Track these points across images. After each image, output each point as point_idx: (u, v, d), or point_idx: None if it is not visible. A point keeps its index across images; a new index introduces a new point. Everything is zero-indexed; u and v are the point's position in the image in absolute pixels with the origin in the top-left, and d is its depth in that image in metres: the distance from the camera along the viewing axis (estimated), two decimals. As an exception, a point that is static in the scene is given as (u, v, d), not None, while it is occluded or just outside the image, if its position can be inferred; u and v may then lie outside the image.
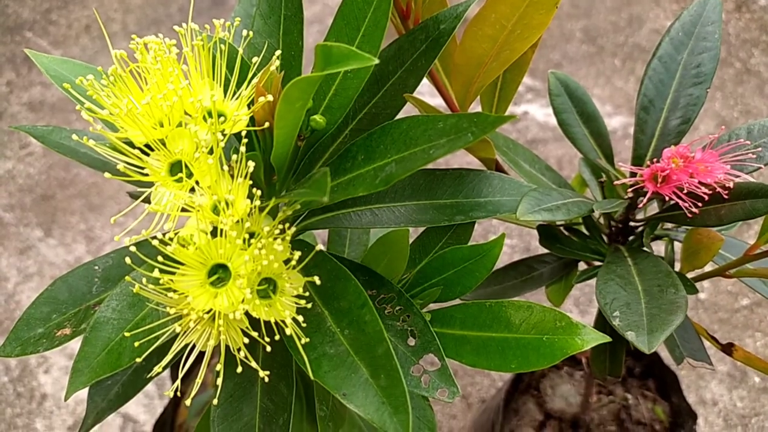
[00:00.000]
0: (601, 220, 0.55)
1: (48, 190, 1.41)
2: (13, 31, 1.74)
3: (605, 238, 0.54)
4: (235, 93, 0.37)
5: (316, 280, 0.35)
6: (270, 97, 0.34)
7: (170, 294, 0.33)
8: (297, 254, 0.34)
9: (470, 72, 0.42)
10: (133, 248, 0.33)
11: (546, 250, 0.54)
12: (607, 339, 0.38)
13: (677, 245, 0.52)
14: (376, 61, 0.29)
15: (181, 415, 0.80)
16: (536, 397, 0.77)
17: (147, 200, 0.36)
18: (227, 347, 0.35)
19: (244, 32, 0.38)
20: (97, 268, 0.46)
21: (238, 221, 0.34)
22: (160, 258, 0.32)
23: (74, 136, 0.35)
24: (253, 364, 0.34)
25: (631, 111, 1.37)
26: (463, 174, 0.46)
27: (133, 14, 1.71)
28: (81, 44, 1.69)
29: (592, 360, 0.53)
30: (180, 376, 0.36)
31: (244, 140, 0.34)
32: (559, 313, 0.39)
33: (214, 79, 0.37)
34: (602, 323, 0.56)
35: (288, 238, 0.34)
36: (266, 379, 0.35)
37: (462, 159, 1.28)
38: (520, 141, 1.36)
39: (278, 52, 0.37)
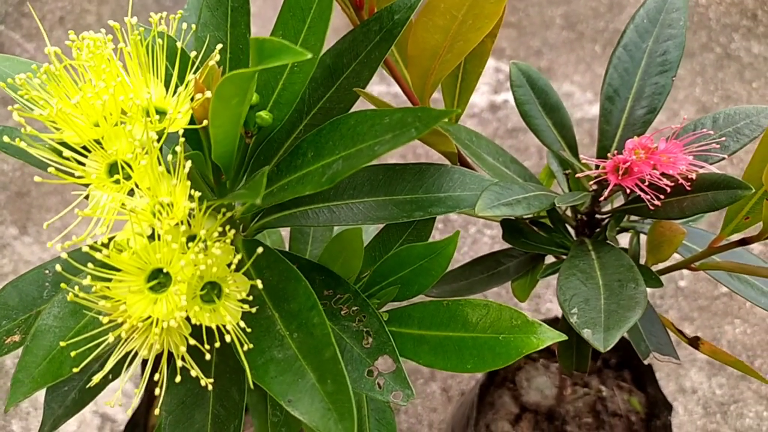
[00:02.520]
0: (568, 213, 0.54)
1: (23, 187, 1.38)
2: (-13, 24, 1.71)
3: (572, 231, 0.53)
4: (176, 89, 0.36)
5: (259, 283, 0.34)
6: (209, 94, 0.33)
7: (106, 301, 0.32)
8: (238, 257, 0.33)
9: (425, 63, 0.41)
10: (64, 255, 0.31)
11: (513, 244, 0.53)
12: (563, 337, 0.37)
13: (643, 238, 0.52)
14: (309, 55, 0.27)
15: (153, 417, 0.79)
16: (512, 390, 0.77)
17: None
18: (172, 353, 0.34)
19: (193, 26, 0.37)
20: (47, 272, 0.45)
21: (177, 224, 0.33)
22: (90, 265, 0.31)
23: (5, 138, 0.34)
24: (194, 372, 0.33)
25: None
26: (424, 169, 0.45)
27: (108, 5, 1.68)
28: (55, 36, 1.65)
29: (559, 355, 0.52)
30: (125, 381, 0.35)
31: (182, 139, 0.33)
32: (515, 312, 0.38)
33: (155, 76, 0.36)
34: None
35: (228, 240, 0.33)
36: (210, 387, 0.33)
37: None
38: (500, 130, 1.35)
39: (219, 46, 0.36)
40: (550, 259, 0.57)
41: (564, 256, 0.53)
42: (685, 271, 1.14)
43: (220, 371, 0.40)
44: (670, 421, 0.71)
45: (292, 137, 0.44)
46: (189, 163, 0.32)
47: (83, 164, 0.34)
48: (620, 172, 0.45)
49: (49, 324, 0.36)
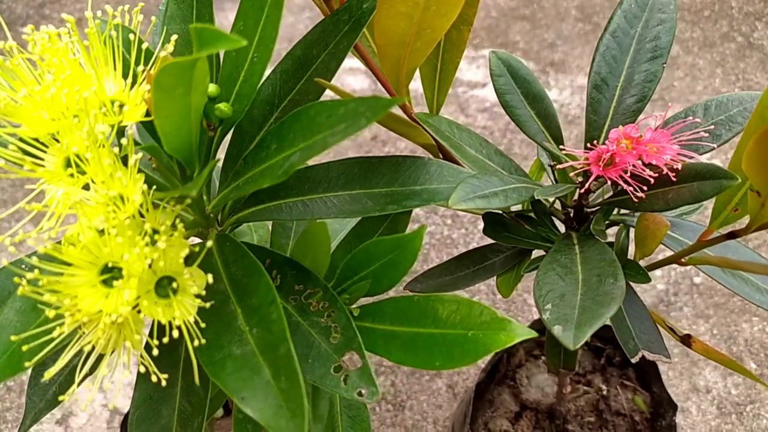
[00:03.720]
0: (557, 206, 0.52)
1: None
2: (8, 26, 1.74)
3: (561, 225, 0.52)
4: (130, 83, 0.36)
5: (210, 278, 0.33)
6: (159, 86, 0.32)
7: (56, 295, 0.32)
8: (186, 251, 0.33)
9: (395, 53, 0.40)
10: (12, 249, 0.31)
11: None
12: (534, 334, 0.35)
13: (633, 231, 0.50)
14: (244, 42, 0.27)
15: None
16: (512, 388, 0.75)
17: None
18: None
19: (153, 18, 0.36)
20: (24, 266, 0.45)
21: (129, 218, 0.32)
22: (35, 259, 0.30)
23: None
24: (143, 368, 0.33)
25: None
26: (400, 162, 0.44)
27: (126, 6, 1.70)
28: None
29: (546, 352, 0.50)
30: (80, 377, 0.34)
31: (129, 131, 0.32)
32: (485, 308, 0.37)
33: (114, 69, 0.36)
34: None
35: (176, 234, 0.33)
36: (164, 383, 0.33)
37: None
38: (511, 124, 1.32)
39: (174, 37, 0.35)
40: (539, 254, 0.55)
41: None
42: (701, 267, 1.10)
43: (187, 366, 0.40)
44: (675, 421, 0.69)
45: (264, 130, 0.44)
46: (138, 156, 0.32)
47: (40, 158, 0.34)
48: (602, 163, 0.43)
49: (10, 318, 0.36)
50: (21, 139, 0.34)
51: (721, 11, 1.45)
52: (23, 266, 0.45)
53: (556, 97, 1.32)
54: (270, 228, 0.64)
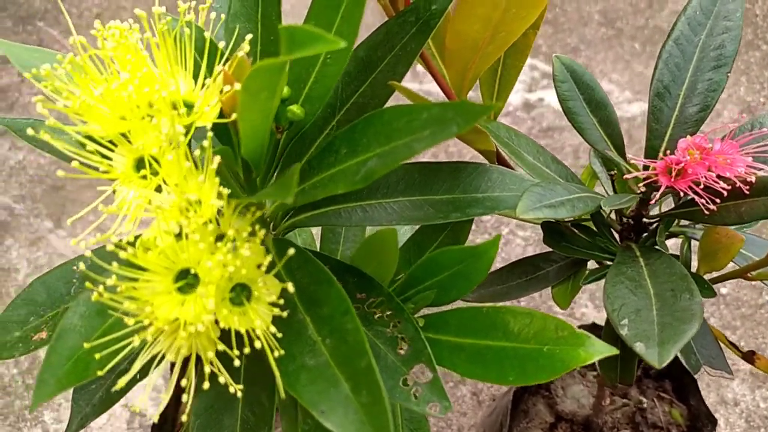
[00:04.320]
0: (612, 216, 0.51)
1: (58, 181, 1.40)
2: (25, 21, 1.73)
3: (616, 235, 0.50)
4: (204, 82, 0.34)
5: (290, 287, 0.32)
6: (238, 86, 0.31)
7: (132, 302, 0.31)
8: (269, 258, 0.32)
9: (465, 56, 0.39)
10: (88, 253, 0.30)
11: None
12: (615, 351, 0.34)
13: (694, 243, 0.49)
14: (343, 43, 0.25)
15: (182, 412, 0.79)
16: (547, 398, 0.74)
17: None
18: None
19: (219, 15, 0.35)
20: (76, 268, 0.44)
21: (205, 223, 0.31)
22: (115, 264, 0.29)
23: (29, 130, 0.33)
24: (223, 378, 0.31)
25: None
26: (461, 168, 0.43)
27: (145, 2, 1.69)
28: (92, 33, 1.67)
29: (601, 366, 0.49)
30: (153, 379, 0.33)
31: (209, 134, 0.31)
32: (561, 322, 0.36)
33: (183, 67, 0.34)
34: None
35: (258, 241, 0.32)
36: (239, 394, 0.32)
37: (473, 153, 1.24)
38: (534, 129, 1.31)
39: (249, 36, 0.34)
40: (591, 264, 0.54)
41: (608, 262, 0.51)
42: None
43: (249, 376, 0.38)
44: (715, 435, 0.68)
45: (324, 133, 0.43)
46: (217, 159, 0.31)
47: (110, 159, 0.33)
48: (673, 174, 0.42)
49: (74, 323, 0.35)
50: (90, 139, 0.33)
51: (746, 19, 1.44)
52: (75, 267, 0.44)
53: (580, 103, 1.31)
54: (311, 232, 0.63)
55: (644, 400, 0.72)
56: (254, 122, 0.30)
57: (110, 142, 0.33)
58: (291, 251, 0.33)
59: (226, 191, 0.31)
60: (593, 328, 0.75)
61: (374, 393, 0.31)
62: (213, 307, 0.29)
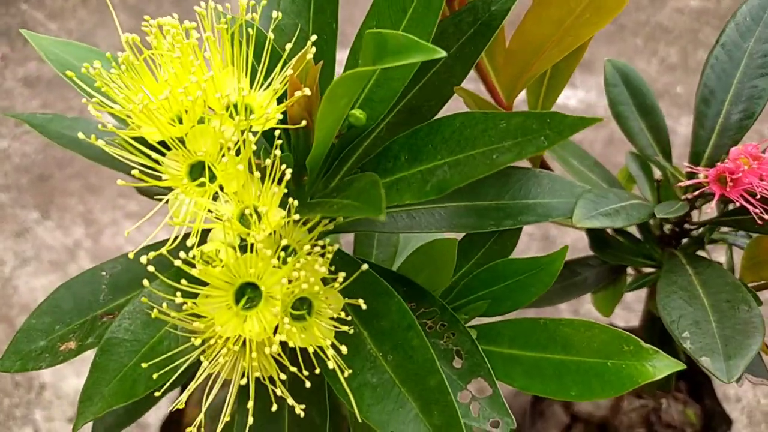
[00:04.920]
0: (650, 221, 0.50)
1: (45, 170, 1.35)
2: (8, 2, 1.67)
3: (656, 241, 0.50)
4: (262, 84, 0.33)
5: (362, 303, 0.31)
6: (307, 91, 0.30)
7: (193, 319, 0.29)
8: (341, 276, 0.30)
9: (525, 58, 0.37)
10: (151, 268, 0.28)
11: (590, 253, 0.50)
12: (682, 366, 0.34)
13: (735, 250, 0.48)
14: (444, 53, 0.24)
15: (187, 416, 0.77)
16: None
17: (153, 195, 0.32)
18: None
19: (274, 13, 0.33)
20: (104, 273, 0.42)
21: (270, 234, 0.29)
22: (184, 282, 0.27)
23: (80, 134, 0.30)
24: (291, 400, 0.30)
25: (654, 94, 1.32)
26: (509, 172, 0.42)
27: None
28: (78, 17, 1.62)
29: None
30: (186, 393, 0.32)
31: (278, 141, 0.29)
32: (626, 336, 0.35)
33: (240, 68, 0.32)
34: (650, 328, 0.53)
35: (330, 256, 0.30)
36: (303, 415, 0.30)
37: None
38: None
39: (314, 38, 0.32)
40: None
41: (648, 269, 0.50)
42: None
43: (296, 390, 0.37)
44: (730, 436, 0.68)
45: (372, 136, 0.41)
46: (289, 170, 0.29)
47: (159, 164, 0.31)
48: (727, 183, 0.41)
49: (119, 337, 0.33)
50: (142, 144, 0.31)
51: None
52: (103, 273, 0.42)
53: (582, 97, 1.31)
54: (337, 235, 0.61)
55: (661, 400, 0.72)
56: (329, 129, 0.28)
57: (164, 146, 0.31)
58: (365, 267, 0.31)
59: (294, 202, 0.29)
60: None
61: (448, 414, 0.29)
62: (286, 322, 0.28)
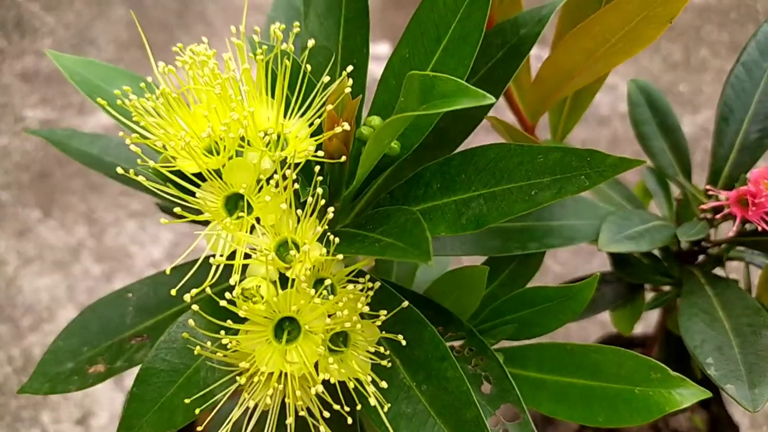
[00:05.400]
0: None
1: (46, 168, 1.35)
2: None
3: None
4: (296, 113, 0.32)
5: (401, 339, 0.31)
6: (347, 126, 0.30)
7: (234, 354, 0.29)
8: (383, 313, 0.30)
9: (553, 85, 0.38)
10: (195, 307, 0.28)
11: (607, 269, 0.51)
12: (708, 394, 0.34)
13: (751, 268, 0.49)
14: (492, 99, 0.24)
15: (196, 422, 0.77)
16: (571, 404, 0.75)
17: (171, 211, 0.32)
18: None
19: (310, 42, 0.33)
20: (130, 296, 0.42)
21: (310, 269, 0.30)
22: (229, 321, 0.28)
23: (119, 169, 0.30)
24: (323, 429, 0.30)
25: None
26: (533, 194, 0.42)
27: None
28: (75, 9, 1.60)
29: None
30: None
31: (318, 178, 0.29)
32: (653, 363, 0.35)
33: (278, 100, 0.32)
34: (666, 343, 0.53)
35: (371, 294, 0.30)
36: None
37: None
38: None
39: (350, 68, 0.32)
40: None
41: (665, 287, 0.51)
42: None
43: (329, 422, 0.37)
44: (737, 442, 0.69)
45: (399, 160, 0.41)
46: (331, 208, 0.29)
47: (194, 195, 0.31)
48: (749, 205, 0.42)
49: (156, 367, 0.33)
50: (177, 176, 0.31)
51: (748, 14, 1.45)
52: (130, 295, 0.42)
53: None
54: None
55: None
56: (370, 165, 0.28)
57: (200, 178, 0.31)
58: (405, 303, 0.31)
59: (335, 239, 0.29)
60: (617, 338, 0.75)
61: (486, 448, 0.30)
62: (324, 356, 0.28)
